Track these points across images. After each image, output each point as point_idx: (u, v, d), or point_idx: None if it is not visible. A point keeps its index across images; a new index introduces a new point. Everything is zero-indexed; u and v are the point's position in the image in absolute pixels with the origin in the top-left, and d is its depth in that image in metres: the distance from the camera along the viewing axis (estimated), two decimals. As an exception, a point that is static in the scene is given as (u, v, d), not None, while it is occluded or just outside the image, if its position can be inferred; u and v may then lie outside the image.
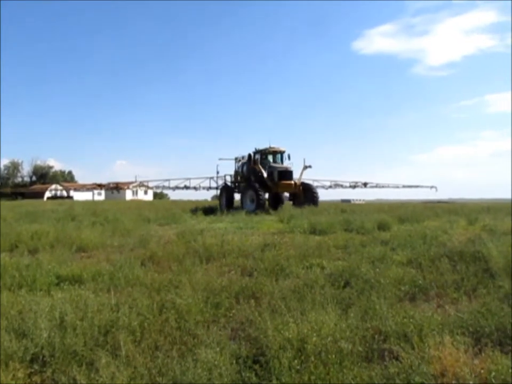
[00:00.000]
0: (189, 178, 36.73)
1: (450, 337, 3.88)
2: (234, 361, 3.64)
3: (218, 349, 3.82)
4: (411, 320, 4.36)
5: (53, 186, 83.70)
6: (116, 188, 39.42)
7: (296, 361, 3.54)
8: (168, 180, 37.52)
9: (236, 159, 32.08)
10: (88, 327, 4.27)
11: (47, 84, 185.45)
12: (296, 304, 5.19)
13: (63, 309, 4.73)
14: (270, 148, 29.29)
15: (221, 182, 35.18)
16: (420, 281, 6.23)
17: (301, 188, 28.40)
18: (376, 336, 4.18)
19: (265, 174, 27.60)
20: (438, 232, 11.18)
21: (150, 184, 38.76)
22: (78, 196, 77.95)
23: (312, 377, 3.35)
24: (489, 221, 14.78)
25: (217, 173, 33.67)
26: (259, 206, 25.45)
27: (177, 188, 38.09)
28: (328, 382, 3.33)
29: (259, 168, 28.00)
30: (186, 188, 37.63)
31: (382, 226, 13.69)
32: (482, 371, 3.33)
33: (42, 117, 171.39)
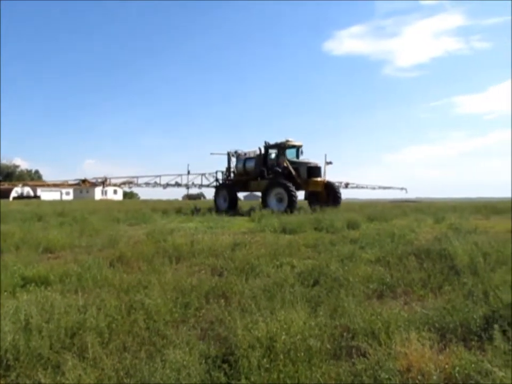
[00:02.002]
0: (159, 176, 34.19)
1: (416, 334, 3.95)
2: (203, 361, 3.63)
3: (187, 349, 3.80)
4: (378, 317, 4.42)
5: (20, 185, 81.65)
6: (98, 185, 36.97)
7: (265, 360, 3.54)
8: (137, 177, 34.33)
9: (228, 153, 29.65)
10: (54, 329, 4.18)
11: (12, 81, 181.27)
12: (266, 303, 5.20)
13: (28, 311, 4.62)
14: (288, 141, 26.74)
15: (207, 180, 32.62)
16: (388, 279, 6.33)
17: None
18: (344, 334, 4.22)
19: (293, 171, 24.88)
20: (405, 231, 11.36)
21: (122, 181, 36.20)
22: (46, 195, 76.39)
23: (281, 376, 3.36)
24: (455, 219, 15.11)
25: (188, 172, 32.48)
26: (291, 206, 23.05)
27: (147, 184, 35.47)
28: (296, 380, 3.36)
29: (287, 163, 25.31)
30: (162, 185, 34.74)
31: (352, 225, 13.85)
32: (446, 366, 3.40)
33: (8, 115, 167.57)
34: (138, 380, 3.41)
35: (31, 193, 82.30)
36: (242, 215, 22.80)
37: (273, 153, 27.04)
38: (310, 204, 25.76)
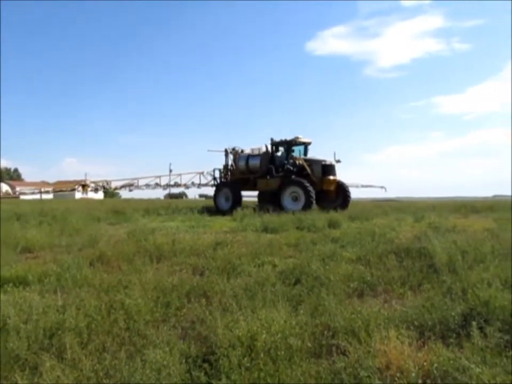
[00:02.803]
0: (159, 176, 31.51)
1: (396, 332, 4.00)
2: (183, 361, 3.62)
3: (167, 349, 3.78)
4: (359, 315, 4.46)
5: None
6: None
7: (245, 359, 3.55)
8: (137, 179, 32.14)
9: (226, 150, 28.37)
10: (32, 330, 4.13)
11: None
12: (247, 302, 5.20)
13: (5, 311, 4.57)
14: (297, 138, 25.43)
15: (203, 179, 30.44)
16: (368, 278, 6.38)
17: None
18: (325, 332, 4.25)
19: (308, 169, 23.58)
20: (386, 230, 11.47)
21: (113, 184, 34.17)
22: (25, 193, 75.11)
23: (262, 374, 3.37)
24: (434, 218, 15.29)
25: (170, 171, 31.78)
26: (308, 205, 21.91)
27: (147, 185, 32.37)
28: (277, 379, 3.36)
29: (302, 161, 24.23)
30: (162, 186, 32.14)
31: (333, 224, 13.91)
32: (425, 363, 3.44)
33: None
34: (117, 380, 3.39)
35: (10, 192, 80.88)
36: (224, 214, 22.74)
37: (280, 151, 26.04)
38: (319, 203, 24.15)
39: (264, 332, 3.92)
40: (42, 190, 38.51)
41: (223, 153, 28.39)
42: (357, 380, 3.30)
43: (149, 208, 25.57)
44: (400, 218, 16.56)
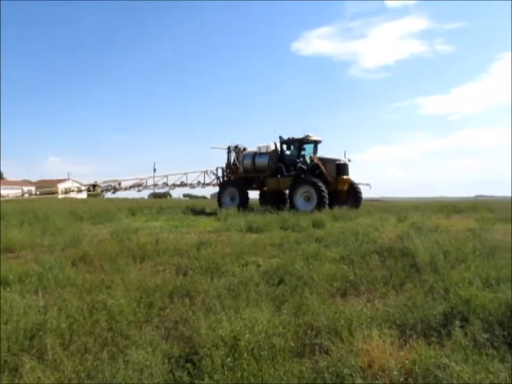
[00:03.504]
0: (166, 175, 30.05)
1: (378, 331, 4.02)
2: (166, 361, 3.60)
3: (150, 349, 3.76)
4: (342, 315, 4.48)
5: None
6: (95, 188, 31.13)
7: (229, 359, 3.54)
8: (145, 179, 30.55)
9: (228, 148, 27.52)
10: (12, 331, 4.08)
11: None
12: (231, 302, 5.20)
13: (-15, 312, 4.50)
14: (307, 136, 24.43)
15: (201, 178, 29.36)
16: (351, 277, 6.42)
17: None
18: (308, 332, 4.26)
19: (323, 168, 22.75)
20: (369, 229, 11.53)
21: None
22: (6, 192, 74.13)
23: (245, 374, 3.37)
24: (417, 218, 15.42)
25: (154, 170, 31.30)
26: (321, 205, 21.06)
27: (155, 185, 30.98)
28: (260, 378, 3.37)
29: (317, 160, 23.33)
30: (169, 186, 30.63)
31: (317, 224, 13.94)
32: (407, 362, 3.47)
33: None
34: (99, 381, 3.36)
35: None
36: (209, 214, 22.66)
37: (290, 149, 25.07)
38: (330, 204, 23.00)
39: (247, 331, 3.92)
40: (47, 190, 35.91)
41: (226, 150, 27.58)
42: (339, 378, 3.31)
43: (133, 207, 25.42)
44: (384, 218, 16.65)
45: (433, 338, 4.10)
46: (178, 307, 5.11)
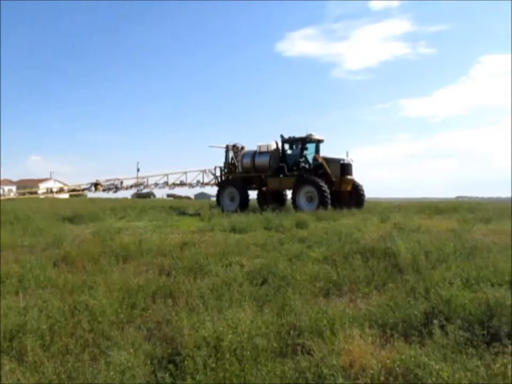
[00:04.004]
0: (167, 174, 28.99)
1: (360, 330, 4.05)
2: (148, 362, 3.59)
3: (132, 350, 3.74)
4: (324, 315, 4.50)
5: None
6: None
7: (211, 359, 3.54)
8: (147, 178, 29.36)
9: (227, 146, 26.99)
10: (-8, 333, 4.04)
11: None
12: (214, 303, 5.20)
13: (-36, 314, 4.44)
14: (311, 135, 23.93)
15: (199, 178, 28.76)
16: (334, 277, 6.45)
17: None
18: (291, 332, 4.28)
19: (327, 167, 22.46)
20: (352, 230, 11.59)
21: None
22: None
23: (227, 375, 3.37)
24: (399, 219, 15.55)
25: (138, 170, 30.88)
26: (323, 206, 20.68)
27: (156, 184, 29.72)
28: (243, 379, 3.37)
29: (322, 160, 22.93)
30: (169, 186, 29.44)
31: (300, 224, 14.00)
32: (388, 361, 3.51)
33: None
34: (80, 382, 3.33)
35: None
36: (190, 214, 22.61)
37: (292, 148, 24.58)
38: (334, 204, 22.75)
39: (230, 332, 3.92)
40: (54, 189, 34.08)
41: (224, 149, 27.13)
42: (321, 378, 3.33)
43: (116, 207, 25.24)
44: (367, 219, 16.76)
45: (414, 338, 4.15)
46: (161, 308, 5.09)
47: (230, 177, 26.77)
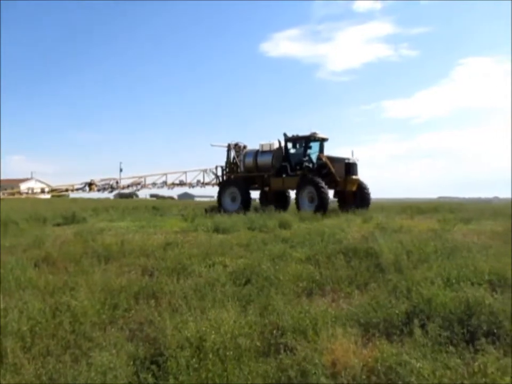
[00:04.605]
0: (165, 174, 28.07)
1: (342, 330, 4.09)
2: (131, 363, 3.57)
3: (114, 351, 3.72)
4: (307, 314, 4.53)
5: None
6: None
7: (194, 359, 3.54)
8: (144, 177, 28.33)
9: (229, 145, 26.30)
10: (-29, 335, 3.97)
11: None
12: (197, 303, 5.18)
13: None
14: (315, 134, 23.09)
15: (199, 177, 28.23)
16: (317, 277, 6.48)
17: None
18: (274, 331, 4.29)
19: (332, 167, 21.72)
20: (335, 230, 11.64)
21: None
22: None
23: (210, 375, 3.37)
24: (382, 219, 15.67)
25: (121, 170, 30.52)
26: (322, 206, 20.12)
27: (154, 184, 28.68)
28: (225, 379, 3.37)
29: (326, 159, 22.19)
30: (168, 185, 28.52)
31: (283, 225, 14.02)
32: (369, 359, 3.54)
33: None
34: (61, 383, 3.30)
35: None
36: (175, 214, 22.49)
37: (296, 147, 23.86)
38: (340, 205, 22.64)
39: (213, 332, 3.92)
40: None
41: (226, 148, 26.51)
42: (304, 377, 3.35)
43: (98, 207, 25.01)
44: (349, 219, 16.86)
45: (395, 337, 4.20)
46: (144, 308, 5.07)
47: (232, 177, 26.05)
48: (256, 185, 25.15)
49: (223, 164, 27.07)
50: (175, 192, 72.19)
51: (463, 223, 15.36)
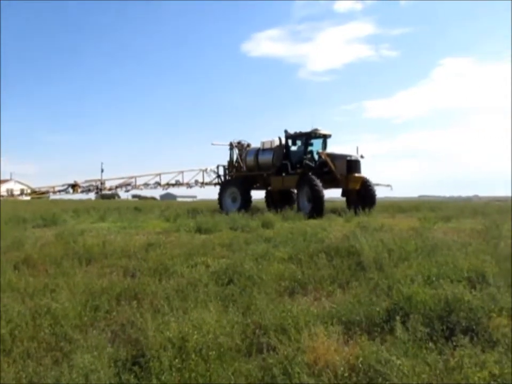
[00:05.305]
0: (159, 174, 27.17)
1: (324, 328, 4.12)
2: (112, 365, 3.55)
3: (96, 353, 3.70)
4: (289, 313, 4.55)
5: None
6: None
7: (176, 360, 3.54)
8: (135, 177, 27.22)
9: (231, 144, 25.55)
10: (-51, 339, 3.92)
11: None
12: (179, 303, 5.17)
13: None
14: (316, 130, 22.16)
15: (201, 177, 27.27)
16: (299, 276, 6.51)
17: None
18: (256, 331, 4.31)
19: (332, 165, 20.49)
20: (317, 229, 11.70)
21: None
22: None
23: (193, 375, 3.38)
24: (363, 218, 15.79)
25: (102, 170, 30.18)
26: (316, 208, 19.27)
27: (146, 184, 27.55)
28: (208, 378, 3.38)
29: (325, 156, 21.01)
30: (162, 186, 27.44)
31: (266, 224, 14.05)
32: (351, 357, 3.58)
33: None
34: (42, 385, 3.28)
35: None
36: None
37: (297, 144, 22.95)
38: (349, 204, 21.62)
39: (195, 332, 3.93)
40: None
41: (228, 147, 25.81)
42: (286, 376, 3.37)
43: (79, 208, 24.76)
44: (331, 218, 16.95)
45: (376, 334, 4.24)
46: (126, 310, 5.05)
47: (232, 176, 25.42)
48: (258, 185, 24.42)
49: (219, 163, 26.59)
50: (157, 192, 71.71)
51: (443, 221, 15.55)
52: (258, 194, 26.58)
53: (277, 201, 23.41)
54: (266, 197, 25.61)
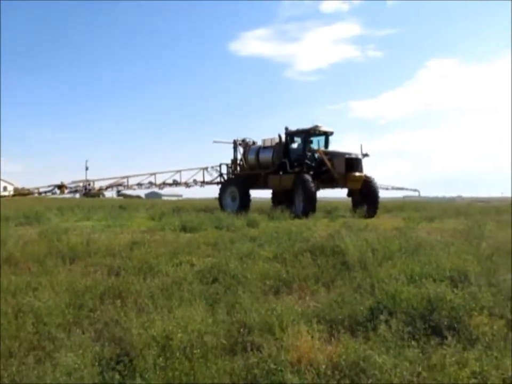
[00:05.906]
0: (154, 173, 25.79)
1: (307, 327, 4.15)
2: (96, 363, 3.54)
3: (80, 352, 3.68)
4: (274, 312, 4.56)
5: None
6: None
7: (161, 358, 3.54)
8: (127, 177, 25.89)
9: (234, 142, 24.80)
10: None
11: None
12: (164, 302, 5.17)
13: None
14: (317, 127, 21.39)
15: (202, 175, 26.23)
16: (284, 275, 6.52)
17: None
18: (241, 330, 4.31)
19: (328, 163, 19.71)
20: (302, 229, 11.74)
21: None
22: None
23: (177, 373, 3.38)
24: (348, 217, 15.89)
25: (87, 168, 29.82)
26: (307, 208, 18.54)
27: (139, 184, 26.11)
28: (192, 377, 3.38)
29: (321, 154, 20.33)
30: (158, 186, 26.35)
31: (251, 224, 14.07)
32: (334, 355, 3.61)
33: None
34: (24, 384, 3.26)
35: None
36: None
37: (297, 142, 22.27)
38: (354, 204, 20.77)
39: (180, 331, 3.93)
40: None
41: (232, 145, 25.13)
42: (269, 374, 3.39)
43: (63, 206, 24.54)
44: (316, 218, 17.01)
45: (359, 333, 4.27)
46: (110, 308, 5.02)
47: (233, 175, 24.93)
48: (259, 184, 23.54)
49: (219, 163, 26.01)
50: (142, 191, 71.12)
51: (427, 221, 15.73)
52: (264, 194, 26.10)
53: (281, 200, 22.62)
54: (273, 196, 25.10)
